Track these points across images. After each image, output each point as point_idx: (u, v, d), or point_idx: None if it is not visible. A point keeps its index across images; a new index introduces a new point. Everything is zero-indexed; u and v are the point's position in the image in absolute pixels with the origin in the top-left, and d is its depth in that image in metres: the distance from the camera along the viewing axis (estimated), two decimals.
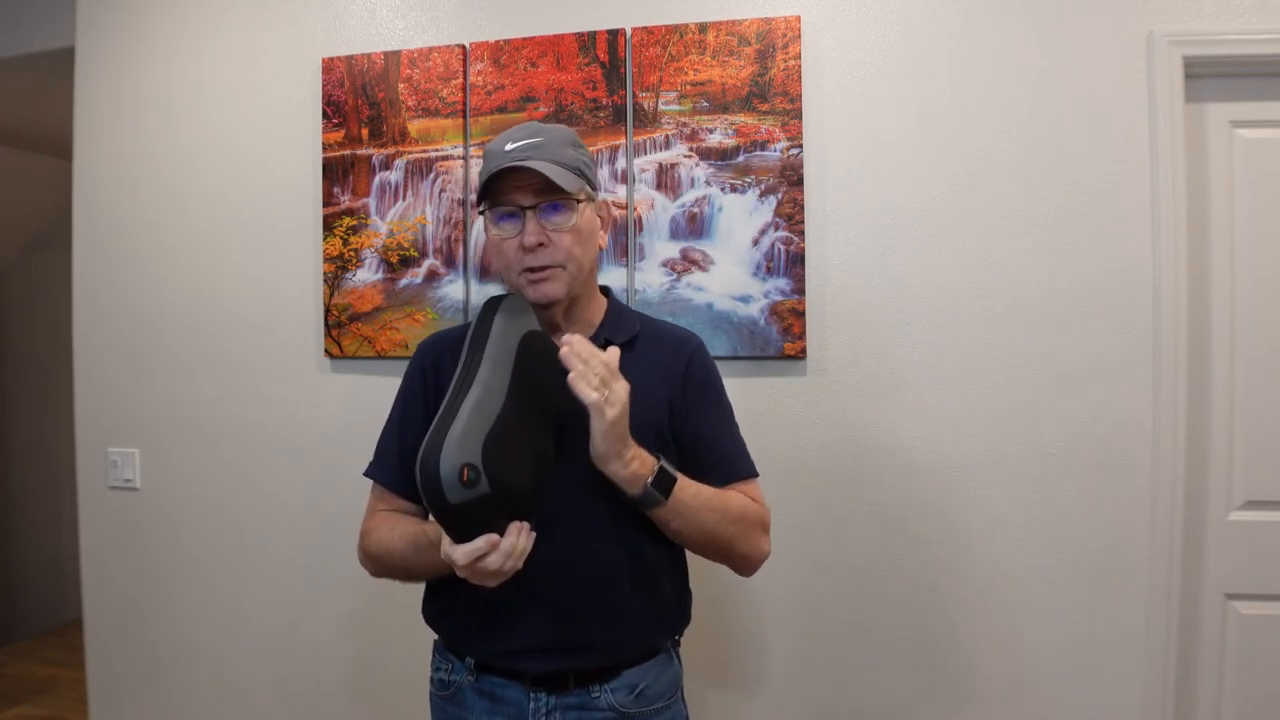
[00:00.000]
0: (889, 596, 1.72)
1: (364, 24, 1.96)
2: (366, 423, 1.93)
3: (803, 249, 1.72)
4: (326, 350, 1.95)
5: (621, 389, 0.97)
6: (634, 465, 0.99)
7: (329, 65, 1.94)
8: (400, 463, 1.14)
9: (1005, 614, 1.69)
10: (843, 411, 1.73)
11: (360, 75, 1.92)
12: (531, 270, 1.06)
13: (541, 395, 0.99)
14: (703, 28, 1.76)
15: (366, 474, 1.19)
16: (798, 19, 1.72)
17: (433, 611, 1.15)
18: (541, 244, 1.05)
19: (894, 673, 1.72)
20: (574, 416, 1.01)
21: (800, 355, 1.72)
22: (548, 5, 1.86)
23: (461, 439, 0.89)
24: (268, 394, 2.00)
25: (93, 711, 2.13)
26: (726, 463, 1.12)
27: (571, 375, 0.95)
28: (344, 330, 1.94)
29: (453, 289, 1.88)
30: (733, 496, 1.09)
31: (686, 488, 1.03)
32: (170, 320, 2.06)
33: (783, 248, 1.73)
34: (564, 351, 0.95)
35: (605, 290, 1.20)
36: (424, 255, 1.89)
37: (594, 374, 0.95)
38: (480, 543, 0.89)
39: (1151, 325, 1.63)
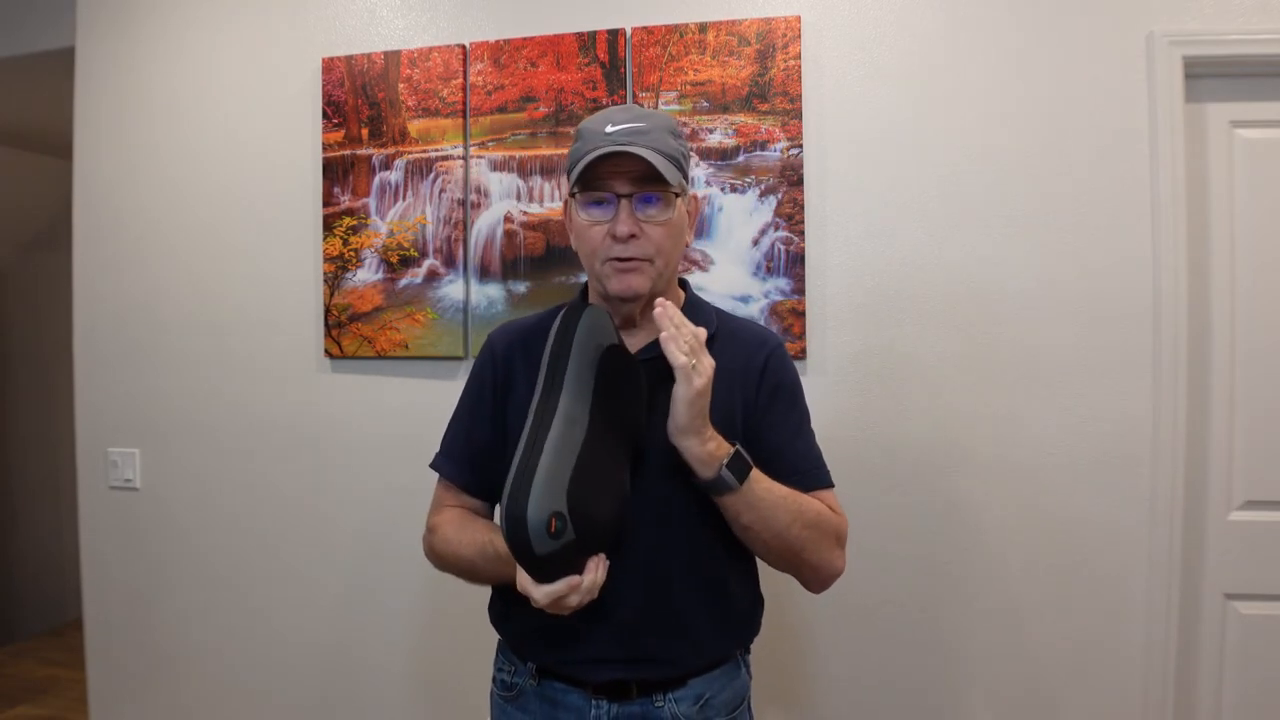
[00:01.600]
0: (889, 596, 1.72)
1: (364, 24, 1.96)
2: (366, 422, 1.95)
3: (803, 249, 1.72)
4: (326, 350, 1.95)
5: (709, 363, 0.94)
6: (711, 445, 0.95)
7: (329, 65, 1.94)
8: (469, 459, 1.12)
9: (1005, 613, 1.69)
10: (843, 411, 1.73)
11: (360, 75, 1.92)
12: (618, 260, 1.01)
13: (621, 413, 0.97)
14: (703, 28, 1.76)
15: (433, 466, 1.15)
16: (798, 19, 1.72)
17: (497, 614, 1.13)
18: (634, 235, 0.99)
19: (892, 669, 1.72)
20: (652, 430, 0.99)
21: (800, 355, 1.72)
22: (548, 5, 1.86)
23: (548, 485, 0.87)
24: (268, 394, 2.00)
25: (93, 711, 2.13)
26: (802, 471, 1.06)
27: (663, 335, 0.91)
28: (344, 330, 1.94)
29: (453, 289, 1.88)
30: (810, 500, 1.03)
31: (761, 480, 0.98)
32: (170, 320, 2.06)
33: (783, 248, 1.73)
34: (658, 312, 0.92)
35: (683, 284, 1.15)
36: (424, 255, 1.89)
37: (685, 340, 0.92)
38: (561, 586, 0.88)
39: (1151, 325, 1.63)
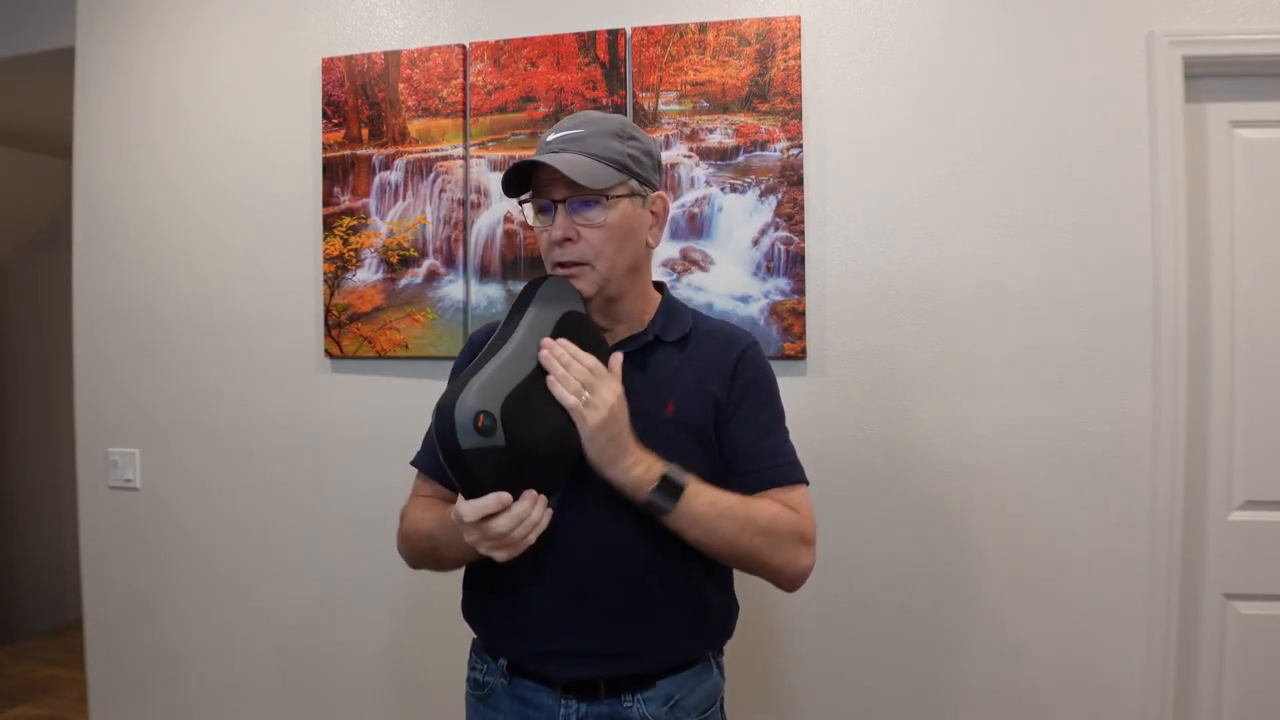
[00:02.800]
0: (889, 595, 1.72)
1: (364, 24, 1.96)
2: (366, 422, 1.95)
3: (803, 249, 1.72)
4: (326, 350, 1.95)
5: (609, 393, 0.94)
6: (635, 471, 0.95)
7: (329, 65, 1.94)
8: None
9: (1005, 613, 1.69)
10: (843, 411, 1.73)
11: (360, 75, 1.92)
12: (560, 265, 1.03)
13: None
14: (703, 28, 1.76)
15: (412, 463, 1.18)
16: (798, 19, 1.72)
17: (470, 607, 1.14)
18: (569, 239, 1.01)
19: (892, 671, 1.72)
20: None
21: (800, 355, 1.72)
22: (548, 5, 1.86)
23: (483, 388, 0.87)
24: (268, 394, 2.00)
25: (93, 711, 2.13)
26: (766, 469, 1.06)
27: (549, 379, 0.92)
28: (344, 330, 1.94)
29: (453, 289, 1.88)
30: (762, 506, 1.01)
31: (699, 495, 0.97)
32: (170, 320, 2.06)
33: (783, 248, 1.73)
34: (542, 355, 0.93)
35: (660, 286, 1.15)
36: (424, 255, 1.89)
37: (574, 378, 0.93)
38: (490, 500, 0.87)
39: (1151, 325, 1.63)
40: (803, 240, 1.72)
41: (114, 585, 2.11)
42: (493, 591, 1.06)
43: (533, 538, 0.90)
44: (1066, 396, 1.66)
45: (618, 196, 1.02)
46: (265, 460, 2.01)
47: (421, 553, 1.10)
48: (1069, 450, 1.66)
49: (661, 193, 1.09)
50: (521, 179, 1.03)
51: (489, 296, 1.86)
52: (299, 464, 1.98)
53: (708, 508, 0.97)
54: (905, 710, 1.72)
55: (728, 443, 1.06)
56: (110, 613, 2.11)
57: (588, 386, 0.94)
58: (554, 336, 0.95)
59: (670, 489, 0.96)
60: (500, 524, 0.88)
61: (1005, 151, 1.68)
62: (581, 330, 0.99)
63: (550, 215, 1.03)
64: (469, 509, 0.87)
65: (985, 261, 1.69)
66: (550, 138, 1.03)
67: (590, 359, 0.96)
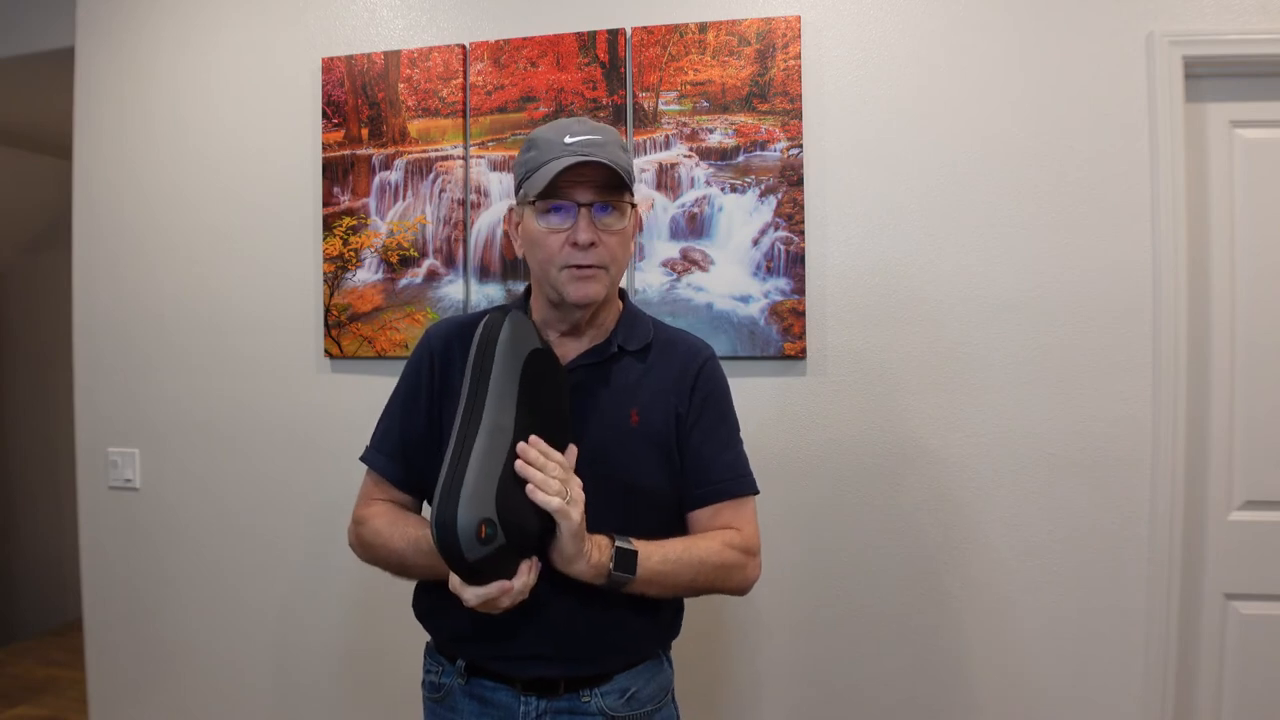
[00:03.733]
0: (889, 595, 1.72)
1: (364, 24, 1.96)
2: (366, 423, 1.94)
3: (803, 249, 1.72)
4: (326, 350, 1.95)
5: (578, 486, 0.95)
6: (594, 556, 0.96)
7: (329, 65, 1.94)
8: (400, 454, 1.13)
9: (1005, 613, 1.69)
10: (843, 411, 1.73)
11: (360, 75, 1.92)
12: (577, 267, 1.03)
13: (546, 418, 0.98)
14: (703, 28, 1.76)
15: (362, 459, 1.17)
16: (798, 19, 1.72)
17: (423, 608, 1.14)
18: (594, 243, 1.02)
19: (893, 671, 1.72)
20: (579, 434, 1.02)
21: (800, 355, 1.72)
22: (548, 5, 1.86)
23: (475, 493, 0.89)
24: (268, 394, 2.00)
25: (93, 711, 2.13)
26: (719, 482, 1.10)
27: (529, 488, 0.92)
28: (344, 330, 1.94)
29: (453, 289, 1.88)
30: (708, 545, 1.06)
31: (653, 555, 1.00)
32: (170, 320, 2.06)
33: (783, 248, 1.73)
34: (519, 465, 0.92)
35: (621, 294, 1.17)
36: (424, 255, 1.89)
37: (553, 477, 0.93)
38: (493, 589, 0.91)
39: (1151, 325, 1.63)
40: (803, 240, 1.72)
41: (114, 585, 2.11)
42: (447, 596, 1.04)
43: (526, 595, 0.94)
44: (1066, 396, 1.66)
45: (629, 204, 1.06)
46: (265, 460, 2.01)
47: (385, 563, 1.11)
48: (1069, 450, 1.66)
49: (636, 206, 1.11)
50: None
51: (489, 296, 1.86)
52: (299, 464, 1.98)
53: (659, 565, 1.01)
54: (904, 711, 1.72)
55: (688, 455, 1.10)
56: (110, 613, 2.11)
57: (564, 484, 0.93)
58: (521, 390, 0.96)
59: (625, 562, 0.98)
60: (502, 602, 0.92)
61: (1005, 151, 1.68)
62: (547, 370, 1.01)
63: (565, 217, 1.03)
64: (473, 595, 0.91)
65: (986, 261, 1.69)
66: (569, 140, 1.03)
67: (558, 455, 0.96)
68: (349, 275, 1.93)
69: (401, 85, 1.90)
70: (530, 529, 0.93)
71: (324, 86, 1.95)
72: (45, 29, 2.22)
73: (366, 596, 1.95)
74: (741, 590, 1.11)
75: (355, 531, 1.14)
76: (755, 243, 1.74)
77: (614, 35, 1.80)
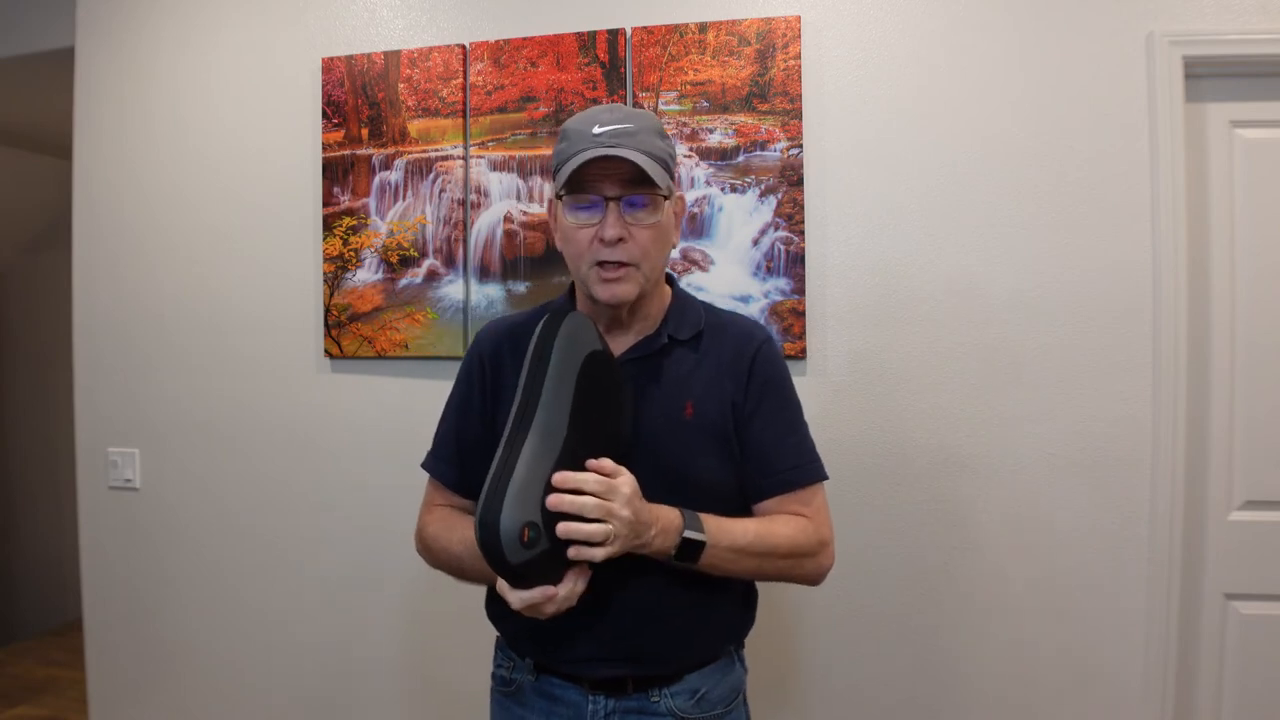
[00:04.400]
0: (888, 595, 1.72)
1: (364, 24, 1.96)
2: (366, 423, 1.95)
3: (803, 249, 1.72)
4: (326, 350, 1.95)
5: (622, 503, 0.89)
6: (657, 542, 0.94)
7: (329, 65, 1.94)
8: (457, 458, 1.12)
9: (1005, 613, 1.69)
10: (843, 411, 1.73)
11: (360, 75, 1.92)
12: (604, 265, 0.99)
13: (602, 423, 0.96)
14: (703, 28, 1.76)
15: (423, 466, 1.16)
16: (798, 19, 1.72)
17: (493, 610, 1.12)
18: (622, 239, 0.98)
19: (892, 670, 1.72)
20: (640, 435, 1.00)
21: (800, 355, 1.72)
22: (548, 5, 1.86)
23: (521, 494, 0.87)
24: (268, 394, 2.00)
25: (93, 711, 2.13)
26: (783, 471, 1.06)
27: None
28: (344, 330, 1.94)
29: (453, 289, 1.88)
30: (778, 531, 1.02)
31: (721, 539, 0.97)
32: (170, 320, 2.06)
33: (783, 248, 1.73)
34: (551, 499, 0.88)
35: (669, 280, 1.13)
36: (424, 255, 1.89)
37: (590, 511, 0.88)
38: (536, 594, 0.89)
39: (1151, 325, 1.63)
40: (803, 240, 1.72)
41: (114, 585, 2.11)
42: None
43: (575, 603, 0.92)
44: (1066, 396, 1.66)
45: (663, 196, 1.01)
46: (265, 460, 2.01)
47: (447, 568, 1.10)
48: (1069, 450, 1.66)
49: (681, 193, 1.07)
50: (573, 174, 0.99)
51: (489, 296, 1.86)
52: (299, 464, 1.98)
53: (728, 550, 0.98)
54: (904, 710, 1.72)
55: (748, 444, 1.05)
56: (110, 613, 2.11)
57: (604, 510, 0.88)
58: (577, 393, 0.93)
59: (691, 549, 0.96)
60: (546, 609, 0.90)
61: (1005, 151, 1.68)
62: (605, 373, 0.98)
63: (593, 212, 1.00)
64: (516, 599, 0.90)
65: (985, 261, 1.69)
66: (598, 130, 0.98)
67: (592, 477, 0.90)
68: (349, 275, 1.93)
69: (401, 85, 1.90)
70: None
71: (324, 86, 1.95)
72: (45, 29, 2.22)
73: (367, 595, 1.95)
74: (814, 579, 1.07)
75: (418, 537, 1.13)
76: (755, 243, 1.74)
77: (614, 35, 1.80)
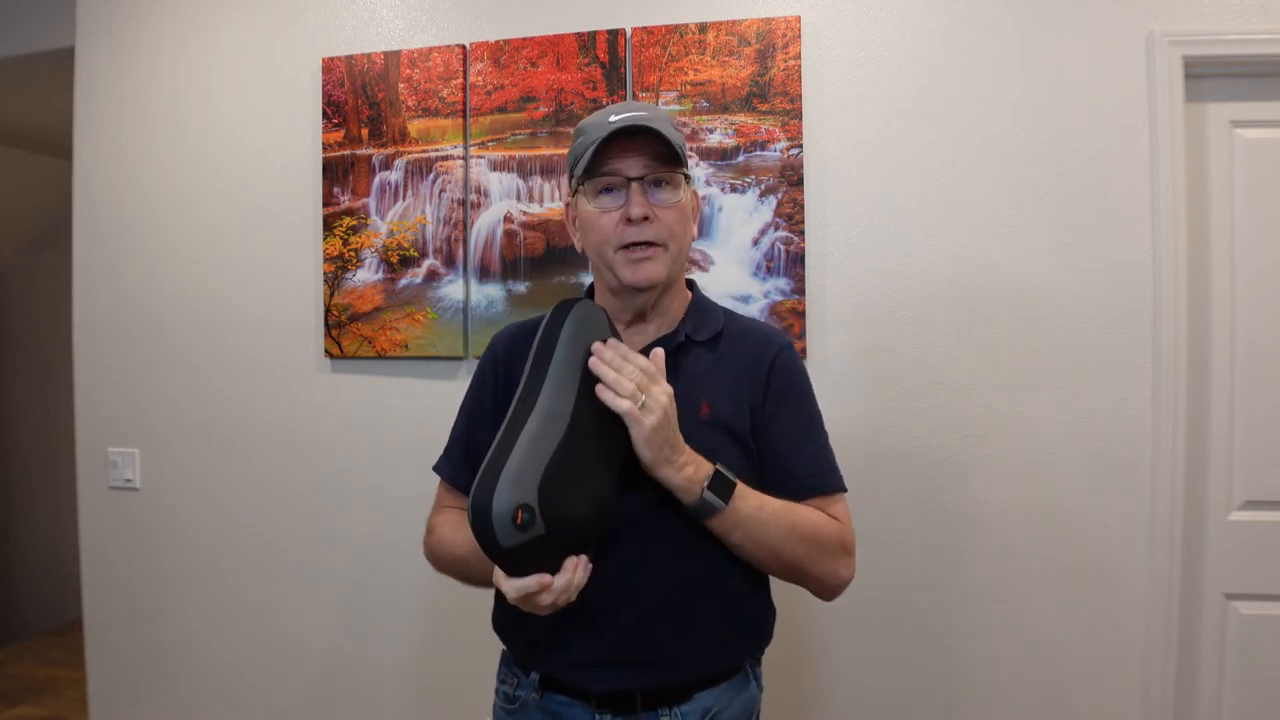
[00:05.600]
0: (889, 595, 1.72)
1: (364, 24, 1.96)
2: (366, 423, 1.95)
3: (803, 249, 1.72)
4: (326, 350, 1.95)
5: (662, 393, 0.91)
6: (687, 470, 0.92)
7: (329, 65, 1.94)
8: (466, 459, 1.11)
9: (1005, 613, 1.69)
10: (843, 411, 1.73)
11: (360, 75, 1.92)
12: (632, 247, 0.98)
13: (611, 412, 0.93)
14: (703, 28, 1.76)
15: (435, 468, 1.15)
16: (798, 19, 1.72)
17: (499, 622, 1.09)
18: (647, 218, 0.98)
19: (892, 670, 1.72)
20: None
21: (800, 355, 1.72)
22: (548, 5, 1.86)
23: (516, 476, 0.84)
24: (268, 394, 2.00)
25: (93, 711, 2.13)
26: (806, 477, 1.03)
27: (598, 387, 0.89)
28: (344, 330, 1.94)
29: (453, 289, 1.88)
30: (805, 513, 1.00)
31: (748, 497, 0.95)
32: (170, 320, 2.06)
33: (783, 248, 1.73)
34: (592, 362, 0.90)
35: (690, 283, 1.13)
36: (424, 255, 1.89)
37: (628, 380, 0.89)
38: (531, 582, 0.86)
39: (1151, 325, 1.63)
40: (803, 240, 1.72)
41: (114, 585, 2.11)
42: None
43: (574, 596, 0.89)
44: (1066, 396, 1.66)
45: (685, 176, 1.02)
46: (265, 460, 2.01)
47: (452, 570, 1.09)
48: (1069, 450, 1.66)
49: (694, 189, 1.07)
50: (591, 161, 0.99)
51: (489, 296, 1.86)
52: (299, 464, 1.98)
53: (754, 510, 0.96)
54: (903, 710, 1.72)
55: (767, 449, 1.04)
56: (110, 613, 2.11)
57: (641, 389, 0.90)
58: (585, 376, 0.91)
59: (722, 487, 0.94)
60: (543, 599, 0.87)
61: (1005, 151, 1.68)
62: None
63: (616, 197, 0.99)
64: (511, 588, 0.87)
65: (985, 261, 1.69)
66: (615, 118, 0.98)
67: (642, 359, 0.92)
68: (349, 275, 1.93)
69: (401, 85, 1.90)
70: (576, 522, 0.88)
71: (324, 86, 1.95)
72: (45, 29, 2.22)
73: (367, 596, 1.95)
74: (829, 585, 1.03)
75: (427, 542, 1.12)
76: (755, 243, 1.74)
77: (614, 35, 1.80)
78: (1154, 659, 1.62)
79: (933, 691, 1.71)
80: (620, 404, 0.89)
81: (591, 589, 0.92)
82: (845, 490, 1.07)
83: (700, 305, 1.10)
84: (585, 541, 0.91)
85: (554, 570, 0.87)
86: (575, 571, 0.88)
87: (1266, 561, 1.67)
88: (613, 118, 0.99)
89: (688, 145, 1.74)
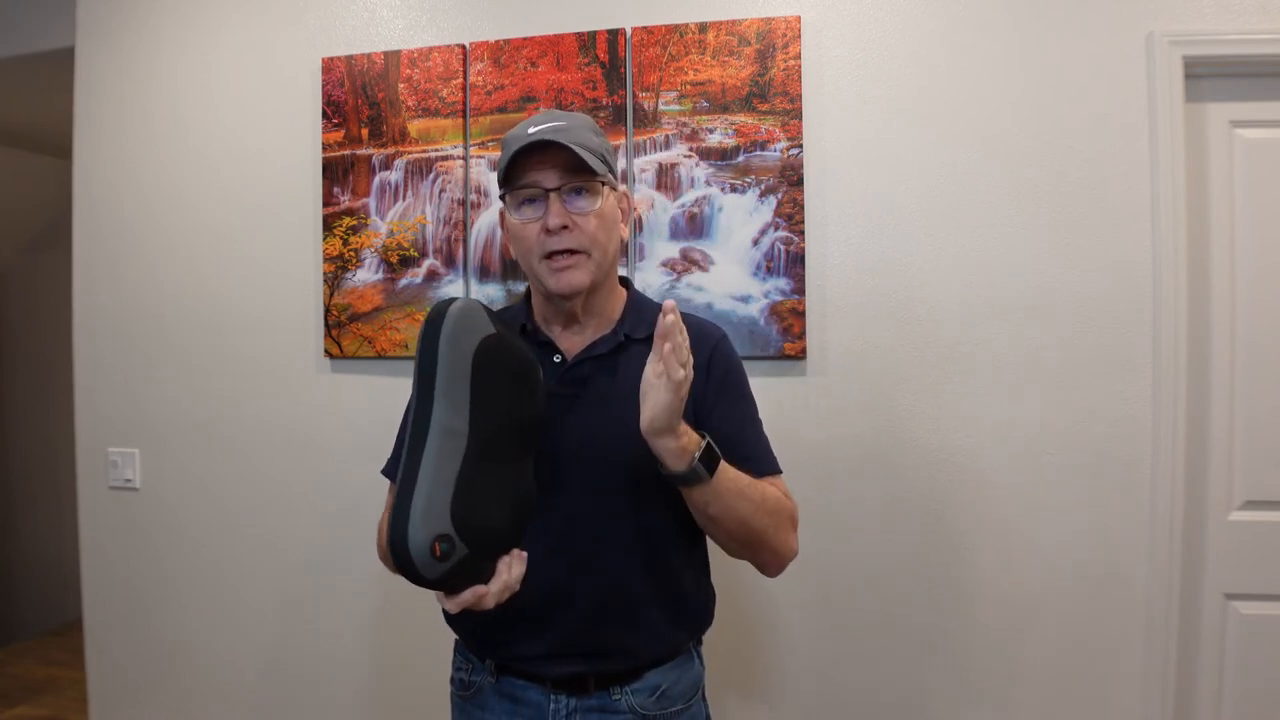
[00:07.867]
0: (889, 595, 1.72)
1: (364, 24, 1.96)
2: (366, 423, 1.95)
3: (803, 249, 1.72)
4: (326, 350, 1.95)
5: (690, 363, 0.94)
6: (684, 439, 0.95)
7: (329, 65, 1.94)
8: None
9: (1005, 613, 1.69)
10: (843, 411, 1.73)
11: (360, 75, 1.92)
12: (553, 256, 1.02)
13: (509, 408, 0.92)
14: (703, 28, 1.76)
15: (383, 472, 1.18)
16: (798, 19, 1.72)
17: (452, 616, 1.11)
18: (565, 227, 1.01)
19: (893, 670, 1.72)
20: (589, 424, 1.00)
21: (800, 355, 1.72)
22: (548, 5, 1.86)
23: (426, 509, 0.83)
24: (268, 394, 2.00)
25: (93, 711, 2.13)
26: (754, 458, 1.07)
27: (667, 347, 0.89)
28: (344, 330, 1.94)
29: (453, 289, 1.88)
30: (767, 487, 1.05)
31: (727, 469, 0.99)
32: (170, 320, 2.06)
33: (783, 248, 1.73)
34: (669, 320, 0.88)
35: (625, 282, 1.16)
36: (424, 255, 1.89)
37: (684, 352, 0.91)
38: (467, 597, 0.88)
39: (1151, 325, 1.63)
40: (803, 240, 1.72)
41: (114, 585, 2.11)
42: None
43: (517, 587, 0.91)
44: (1066, 397, 1.66)
45: (602, 183, 1.04)
46: (265, 460, 2.01)
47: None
48: (1069, 450, 1.66)
49: (625, 189, 1.10)
50: (505, 172, 1.03)
51: (489, 296, 1.86)
52: (299, 464, 1.98)
53: (732, 482, 0.99)
54: (903, 710, 1.72)
55: (715, 435, 1.06)
56: (110, 613, 2.11)
57: (686, 362, 0.91)
58: (474, 386, 0.89)
59: (711, 458, 0.96)
60: (486, 603, 0.89)
61: (1005, 151, 1.68)
62: (502, 359, 0.92)
63: (536, 208, 1.03)
64: (449, 606, 0.89)
65: (985, 261, 1.69)
66: (532, 130, 1.02)
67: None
68: (349, 275, 1.93)
69: (401, 85, 1.90)
70: (495, 527, 0.88)
71: (324, 86, 1.95)
72: (45, 29, 2.22)
73: (367, 596, 1.95)
74: (779, 558, 1.07)
75: (378, 542, 1.15)
76: (755, 243, 1.74)
77: (614, 35, 1.80)
78: (1154, 659, 1.62)
79: (932, 692, 1.71)
80: (678, 372, 0.90)
81: (541, 588, 0.95)
82: (781, 472, 1.12)
83: (636, 304, 1.13)
84: (512, 541, 0.91)
85: (486, 578, 0.89)
86: (509, 570, 0.91)
87: (1266, 561, 1.67)
88: (530, 129, 1.02)
89: (688, 146, 1.75)
